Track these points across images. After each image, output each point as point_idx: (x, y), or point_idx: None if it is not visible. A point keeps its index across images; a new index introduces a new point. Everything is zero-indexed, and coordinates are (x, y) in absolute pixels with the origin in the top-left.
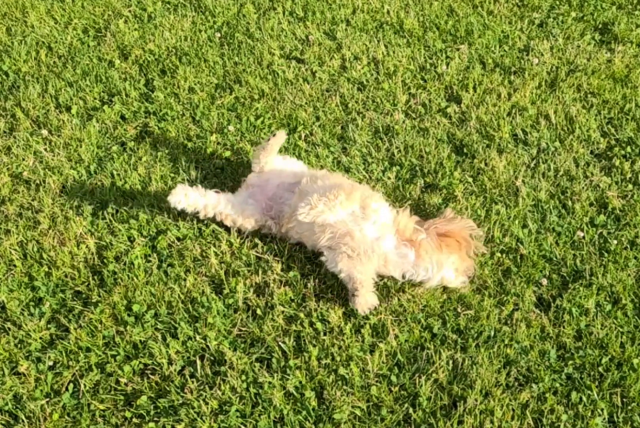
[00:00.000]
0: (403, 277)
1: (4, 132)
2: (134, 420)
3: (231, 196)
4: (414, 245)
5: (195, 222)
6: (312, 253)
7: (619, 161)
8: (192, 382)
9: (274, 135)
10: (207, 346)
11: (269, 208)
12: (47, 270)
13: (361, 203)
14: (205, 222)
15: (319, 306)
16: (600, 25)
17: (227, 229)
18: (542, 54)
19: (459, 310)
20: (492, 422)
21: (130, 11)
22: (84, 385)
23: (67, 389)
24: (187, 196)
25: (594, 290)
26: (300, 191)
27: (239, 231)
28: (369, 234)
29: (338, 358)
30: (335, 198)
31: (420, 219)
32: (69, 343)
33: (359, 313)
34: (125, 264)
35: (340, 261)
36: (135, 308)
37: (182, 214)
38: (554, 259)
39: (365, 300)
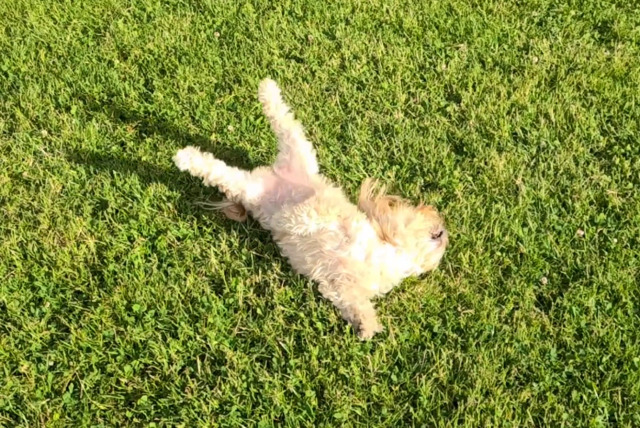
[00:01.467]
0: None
1: (4, 132)
2: (135, 420)
3: (239, 174)
4: (388, 241)
5: (195, 222)
6: None
7: (618, 159)
8: (193, 382)
9: (261, 88)
10: (208, 346)
11: (270, 204)
12: (47, 270)
13: (341, 223)
14: (206, 222)
15: (319, 305)
16: (599, 24)
17: (227, 229)
18: (542, 53)
19: (459, 309)
20: (492, 421)
21: (129, 11)
22: (85, 385)
23: (67, 389)
24: (192, 161)
25: (594, 289)
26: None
27: (241, 229)
28: (359, 256)
29: (338, 358)
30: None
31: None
32: (69, 343)
33: (366, 340)
34: (125, 264)
35: (343, 293)
36: (135, 308)
37: (182, 214)
38: (554, 258)
39: (371, 332)
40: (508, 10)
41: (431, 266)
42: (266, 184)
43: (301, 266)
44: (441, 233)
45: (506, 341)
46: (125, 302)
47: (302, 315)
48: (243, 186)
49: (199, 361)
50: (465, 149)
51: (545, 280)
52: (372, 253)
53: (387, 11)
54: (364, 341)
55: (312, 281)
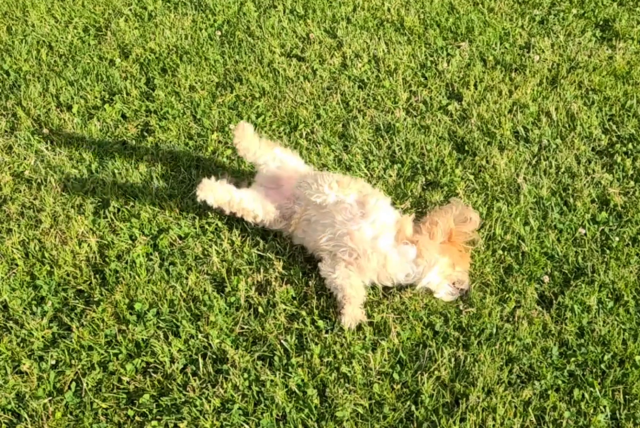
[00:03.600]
0: (406, 278)
1: (5, 131)
2: (137, 418)
3: (254, 192)
4: (415, 243)
5: (196, 220)
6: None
7: (620, 157)
8: (195, 380)
9: (235, 129)
10: (209, 344)
11: (284, 207)
12: (49, 268)
13: (359, 198)
14: (208, 220)
15: (320, 304)
16: (601, 22)
17: (229, 228)
18: (543, 51)
19: (460, 307)
20: (494, 419)
21: (130, 10)
22: (87, 383)
23: (69, 388)
24: (214, 192)
25: (596, 287)
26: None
27: (243, 228)
28: (368, 234)
29: (340, 356)
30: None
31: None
32: (71, 341)
33: (344, 328)
34: (127, 262)
35: (339, 270)
36: (137, 306)
37: (183, 213)
38: (556, 256)
39: (352, 317)
40: (509, 9)
41: (422, 286)
42: (275, 193)
43: (313, 235)
44: (461, 290)
45: (508, 339)
46: (127, 301)
47: (303, 313)
48: (263, 205)
49: (200, 360)
50: (466, 148)
51: (546, 279)
52: (381, 236)
53: (389, 10)
54: (342, 329)
55: (318, 255)
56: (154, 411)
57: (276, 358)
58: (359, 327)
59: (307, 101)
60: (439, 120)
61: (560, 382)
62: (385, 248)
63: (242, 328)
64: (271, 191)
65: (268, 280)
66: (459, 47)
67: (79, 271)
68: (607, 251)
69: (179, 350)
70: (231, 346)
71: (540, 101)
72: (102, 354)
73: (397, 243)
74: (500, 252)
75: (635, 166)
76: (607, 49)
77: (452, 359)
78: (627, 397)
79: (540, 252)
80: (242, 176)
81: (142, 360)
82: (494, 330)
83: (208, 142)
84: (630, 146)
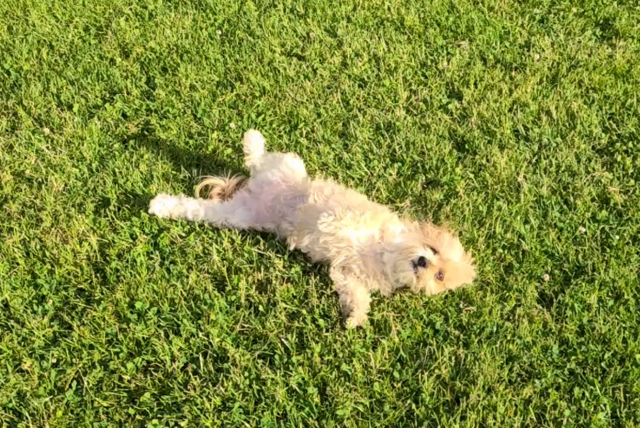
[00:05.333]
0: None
1: (6, 130)
2: (138, 416)
3: (216, 205)
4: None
5: None
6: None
7: (620, 156)
8: (195, 379)
9: (244, 137)
10: (210, 343)
11: (264, 218)
12: (49, 267)
13: (381, 226)
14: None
15: (321, 302)
16: (601, 21)
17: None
18: (543, 50)
19: (461, 306)
20: (494, 417)
21: (131, 9)
22: (88, 382)
23: (70, 386)
24: (165, 205)
25: (596, 286)
26: (308, 208)
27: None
28: (384, 260)
29: (340, 355)
30: (361, 214)
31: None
32: (72, 340)
33: (348, 328)
34: (127, 261)
35: (351, 278)
36: (137, 305)
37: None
38: (556, 255)
39: (358, 321)
40: (509, 8)
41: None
42: (251, 207)
43: (323, 253)
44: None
45: (508, 338)
46: (127, 299)
47: (304, 312)
48: (225, 213)
49: (201, 359)
50: (467, 147)
51: (547, 277)
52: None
53: (389, 9)
54: (344, 329)
55: (326, 266)
56: (155, 409)
57: (277, 356)
58: (359, 326)
59: (307, 100)
60: (439, 119)
61: (560, 380)
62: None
63: (243, 327)
64: (251, 198)
65: (269, 279)
66: (459, 46)
67: (79, 270)
68: (608, 250)
69: (180, 349)
70: (232, 345)
71: (541, 100)
72: (103, 353)
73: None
74: (501, 251)
75: (636, 164)
76: (607, 48)
77: (453, 357)
78: (627, 395)
79: (540, 251)
80: (242, 175)
81: (143, 359)
82: (495, 329)
83: (208, 141)
84: (630, 144)
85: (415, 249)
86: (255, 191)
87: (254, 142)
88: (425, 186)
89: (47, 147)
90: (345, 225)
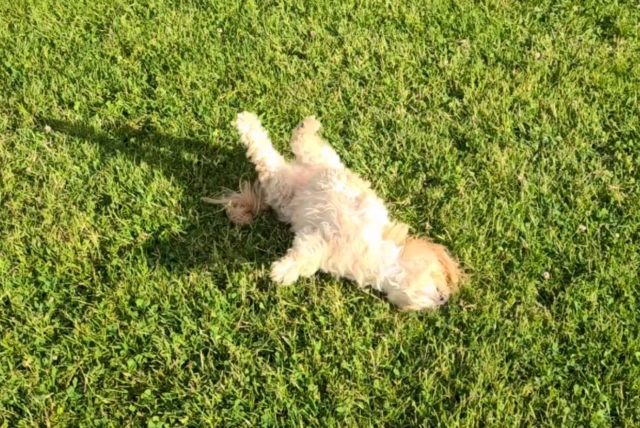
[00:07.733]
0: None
1: (7, 128)
2: (138, 414)
3: (282, 160)
4: (402, 244)
5: (197, 217)
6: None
7: (621, 154)
8: (196, 376)
9: (302, 125)
10: (211, 340)
11: (294, 188)
12: (50, 265)
13: (360, 194)
14: (209, 217)
15: (321, 299)
16: (602, 19)
17: (231, 224)
18: (544, 48)
19: (461, 303)
20: (494, 415)
21: (132, 7)
22: (88, 379)
23: (71, 383)
24: (250, 129)
25: (596, 284)
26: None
27: (246, 225)
28: (355, 221)
29: (341, 352)
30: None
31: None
32: (73, 337)
33: (271, 276)
34: (128, 259)
35: (312, 236)
36: (138, 302)
37: (184, 209)
38: (556, 253)
39: (285, 272)
40: (510, 6)
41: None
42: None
43: (299, 211)
44: (442, 299)
45: (508, 335)
46: (128, 297)
47: (304, 309)
48: (283, 174)
49: (202, 356)
50: (467, 145)
51: (547, 275)
52: (366, 227)
53: (390, 7)
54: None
55: (299, 227)
56: (156, 406)
57: (277, 354)
58: (360, 323)
59: (308, 98)
60: (440, 117)
61: (560, 378)
62: (368, 238)
63: (243, 324)
64: (294, 173)
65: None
66: (459, 44)
67: (80, 267)
68: (608, 248)
69: (180, 346)
70: (232, 342)
71: (541, 98)
72: (104, 350)
73: (382, 238)
74: (501, 248)
75: (636, 163)
76: (607, 46)
77: (453, 355)
78: (627, 392)
79: (540, 248)
80: (242, 174)
81: (144, 356)
82: (495, 326)
83: (209, 139)
84: (630, 142)
85: (444, 291)
86: (296, 169)
87: (310, 132)
88: (425, 184)
89: (48, 145)
90: (341, 180)
